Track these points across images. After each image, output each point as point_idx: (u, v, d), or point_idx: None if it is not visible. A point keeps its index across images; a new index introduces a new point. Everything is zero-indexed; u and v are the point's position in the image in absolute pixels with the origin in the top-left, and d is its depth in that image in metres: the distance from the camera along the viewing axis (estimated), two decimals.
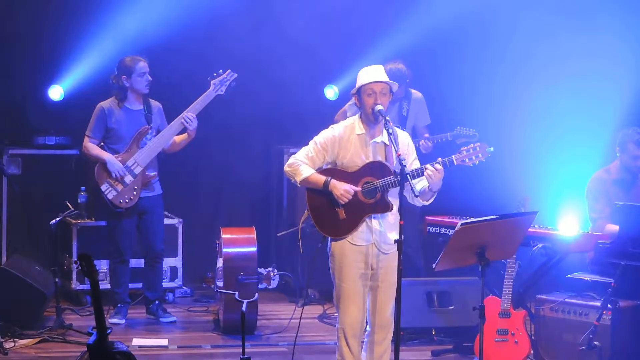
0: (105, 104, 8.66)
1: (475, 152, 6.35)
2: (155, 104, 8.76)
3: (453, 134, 8.78)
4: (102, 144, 8.65)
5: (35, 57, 10.03)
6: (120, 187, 8.55)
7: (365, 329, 6.56)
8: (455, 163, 6.34)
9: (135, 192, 8.56)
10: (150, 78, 8.61)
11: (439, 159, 6.34)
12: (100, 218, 9.24)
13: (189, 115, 8.56)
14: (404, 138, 6.51)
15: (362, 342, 6.56)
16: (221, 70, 8.66)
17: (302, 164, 6.46)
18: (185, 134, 8.67)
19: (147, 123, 8.66)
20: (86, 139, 8.66)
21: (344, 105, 9.09)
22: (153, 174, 8.65)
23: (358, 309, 6.46)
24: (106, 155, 8.56)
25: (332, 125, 6.58)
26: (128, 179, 8.55)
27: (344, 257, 6.43)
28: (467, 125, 8.80)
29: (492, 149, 6.36)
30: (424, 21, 9.85)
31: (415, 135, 9.01)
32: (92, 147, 8.62)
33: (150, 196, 8.68)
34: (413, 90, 9.01)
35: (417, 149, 8.74)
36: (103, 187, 8.55)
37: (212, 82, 8.64)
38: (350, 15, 10.30)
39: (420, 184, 6.38)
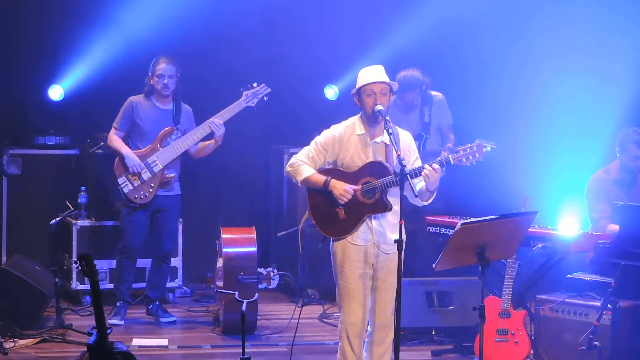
0: (136, 98, 8.69)
1: (472, 152, 6.33)
2: (185, 107, 8.76)
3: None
4: (128, 139, 8.66)
5: (35, 57, 10.03)
6: (137, 182, 8.56)
7: (367, 328, 6.56)
8: (452, 162, 6.32)
9: (151, 190, 8.57)
10: (167, 81, 8.56)
11: (437, 159, 6.34)
12: (104, 218, 9.26)
13: (216, 121, 8.57)
14: (405, 138, 6.51)
15: (364, 341, 6.57)
16: (255, 84, 8.68)
17: (302, 164, 6.47)
18: (211, 140, 8.67)
19: (174, 124, 8.66)
20: (112, 130, 8.68)
21: (342, 106, 9.06)
22: (172, 175, 8.65)
23: (361, 307, 6.46)
24: (125, 150, 8.57)
25: (333, 125, 6.59)
26: (146, 175, 8.56)
27: (346, 257, 6.44)
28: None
29: (489, 148, 6.34)
30: (424, 22, 9.85)
31: (441, 136, 9.00)
32: (115, 139, 8.64)
33: (168, 195, 8.69)
34: (434, 92, 9.02)
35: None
36: (120, 180, 8.56)
37: (244, 92, 8.66)
38: (350, 15, 10.30)
39: (420, 184, 6.38)
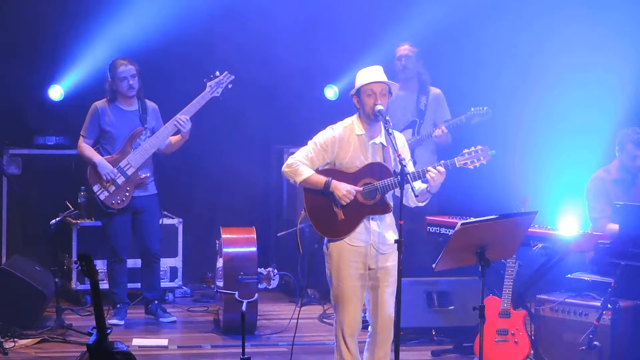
0: (100, 103, 8.66)
1: (477, 155, 6.37)
2: (151, 104, 8.74)
3: (467, 116, 8.73)
4: (98, 144, 8.65)
5: (35, 57, 10.03)
6: (112, 188, 8.54)
7: (368, 328, 6.56)
8: (457, 165, 6.37)
9: (127, 194, 8.55)
10: (131, 82, 8.53)
11: (442, 162, 6.36)
12: (99, 218, 9.25)
13: (182, 117, 8.54)
14: (399, 139, 6.50)
15: (365, 341, 6.56)
16: (218, 72, 8.63)
17: (301, 165, 6.45)
18: (178, 136, 8.66)
19: (142, 124, 8.64)
20: (81, 139, 8.66)
21: (342, 106, 9.04)
22: (145, 175, 8.62)
23: (356, 309, 6.47)
24: (97, 158, 8.55)
25: (331, 126, 6.57)
26: (120, 180, 8.54)
27: (342, 258, 6.43)
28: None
29: (494, 152, 6.37)
30: (423, 21, 9.84)
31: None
32: (85, 148, 8.61)
33: (143, 196, 8.66)
34: (432, 87, 9.01)
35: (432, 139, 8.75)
36: (95, 188, 8.55)
37: (208, 83, 8.62)
38: (350, 15, 10.30)
39: (416, 185, 6.37)
